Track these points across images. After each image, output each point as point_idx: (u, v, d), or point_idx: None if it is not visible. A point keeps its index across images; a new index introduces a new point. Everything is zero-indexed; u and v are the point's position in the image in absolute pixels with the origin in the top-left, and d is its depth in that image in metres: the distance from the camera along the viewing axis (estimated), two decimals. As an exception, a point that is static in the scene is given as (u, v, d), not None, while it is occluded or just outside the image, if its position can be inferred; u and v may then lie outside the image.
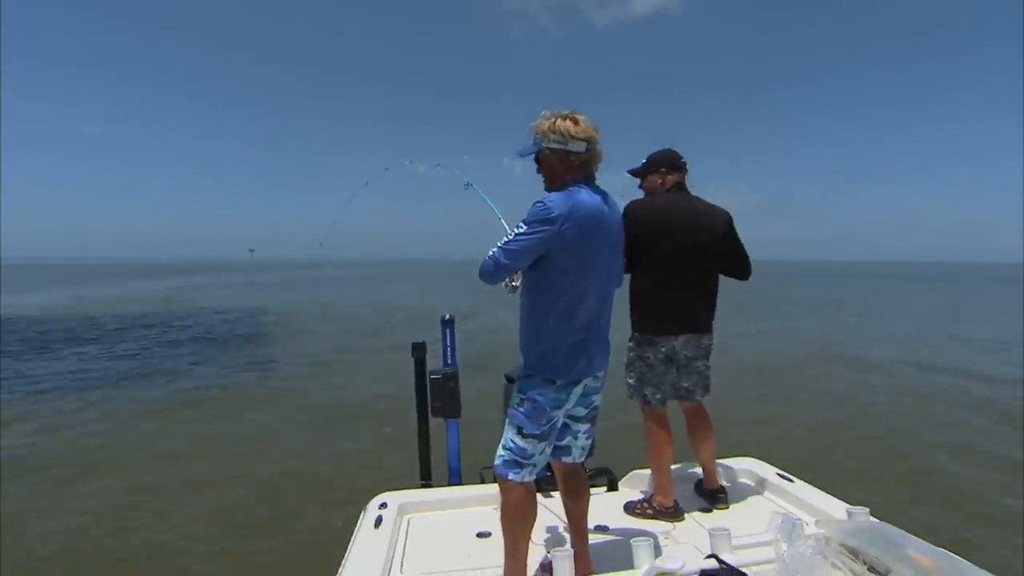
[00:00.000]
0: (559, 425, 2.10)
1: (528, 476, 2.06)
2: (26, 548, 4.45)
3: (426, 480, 3.55)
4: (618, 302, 2.26)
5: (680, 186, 2.86)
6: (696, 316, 2.83)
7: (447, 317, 3.45)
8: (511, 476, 2.05)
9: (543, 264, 2.00)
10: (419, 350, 3.50)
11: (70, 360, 12.56)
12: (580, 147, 2.02)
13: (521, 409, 2.04)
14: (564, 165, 2.05)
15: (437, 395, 3.42)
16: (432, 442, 3.62)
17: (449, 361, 3.45)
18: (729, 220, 2.86)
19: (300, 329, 18.37)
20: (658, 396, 2.85)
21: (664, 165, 2.86)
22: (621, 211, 2.17)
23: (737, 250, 2.92)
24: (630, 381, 2.90)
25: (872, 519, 1.74)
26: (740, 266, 2.94)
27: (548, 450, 2.10)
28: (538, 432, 2.03)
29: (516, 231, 1.98)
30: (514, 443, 2.05)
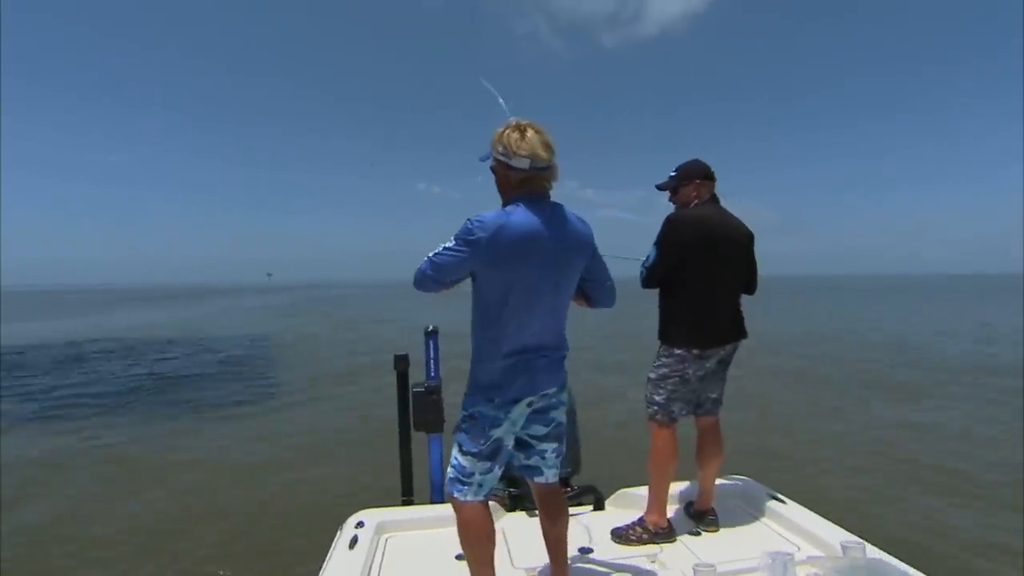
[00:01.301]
0: (506, 445, 2.01)
1: (472, 495, 1.98)
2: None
3: (408, 497, 3.44)
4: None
5: (713, 197, 2.82)
6: (739, 324, 2.80)
7: (430, 328, 3.35)
8: (455, 494, 2.00)
9: (478, 281, 1.94)
10: (402, 362, 3.39)
11: (79, 386, 12.38)
12: (523, 164, 1.90)
13: (463, 426, 1.99)
14: (508, 180, 1.96)
15: (419, 409, 3.31)
16: (416, 457, 3.51)
17: (432, 374, 3.35)
18: (752, 235, 2.86)
19: (309, 345, 18.56)
20: (684, 412, 2.75)
21: (698, 176, 2.79)
22: (575, 224, 2.01)
23: (754, 265, 2.90)
24: (657, 399, 2.72)
25: (869, 552, 1.65)
26: (754, 281, 2.92)
27: (496, 470, 2.01)
28: (476, 450, 1.95)
29: (446, 244, 1.90)
30: (456, 460, 2.00)
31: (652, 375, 2.76)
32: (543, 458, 2.10)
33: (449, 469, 2.02)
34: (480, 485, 1.97)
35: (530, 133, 1.92)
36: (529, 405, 1.97)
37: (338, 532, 2.76)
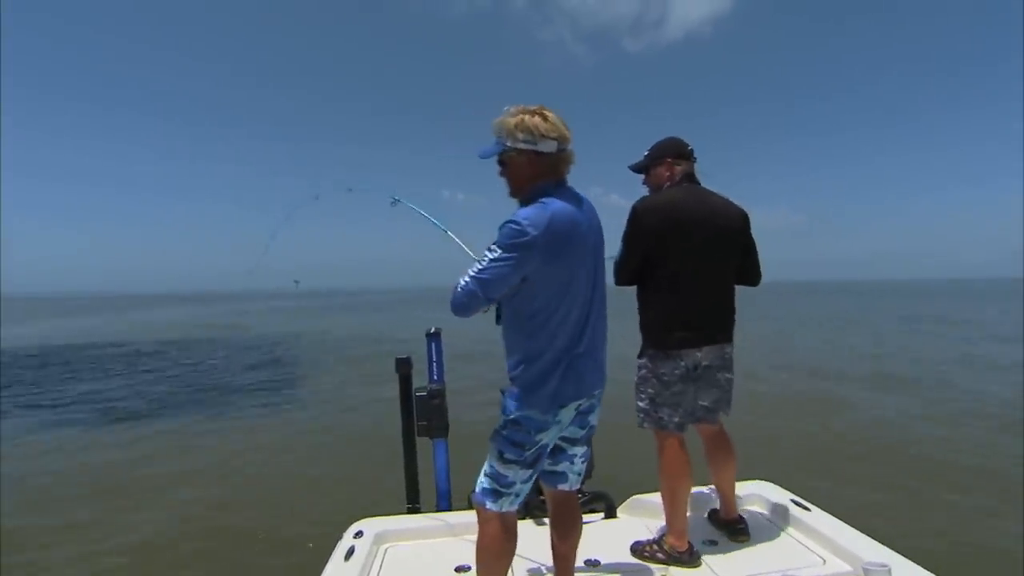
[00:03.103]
0: (548, 450, 1.91)
1: (508, 506, 1.87)
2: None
3: (413, 504, 3.32)
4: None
5: (690, 177, 2.54)
6: (720, 323, 2.50)
7: (432, 330, 3.23)
8: (488, 505, 1.87)
9: (523, 286, 1.79)
10: (404, 366, 3.27)
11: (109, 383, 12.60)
12: (551, 147, 1.81)
13: (504, 432, 1.86)
14: (533, 168, 1.84)
15: (423, 414, 3.19)
16: (423, 463, 3.40)
17: (435, 377, 3.23)
18: (746, 217, 2.55)
19: (327, 350, 18.52)
20: (676, 419, 2.46)
21: (670, 154, 2.53)
22: (592, 206, 1.95)
23: (752, 251, 2.60)
24: (641, 404, 2.50)
25: (897, 573, 1.49)
26: (754, 270, 2.63)
27: (533, 478, 1.91)
28: (520, 459, 1.83)
29: (490, 256, 1.74)
30: (494, 469, 1.87)
31: (635, 379, 2.55)
32: (571, 463, 2.01)
33: (483, 479, 1.90)
34: (517, 495, 1.88)
35: (550, 115, 1.84)
36: (577, 408, 1.88)
37: (337, 542, 2.66)
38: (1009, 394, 9.47)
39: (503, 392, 3.19)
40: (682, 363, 2.44)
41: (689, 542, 2.45)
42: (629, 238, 2.47)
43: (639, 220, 2.44)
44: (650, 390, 2.48)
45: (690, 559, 2.41)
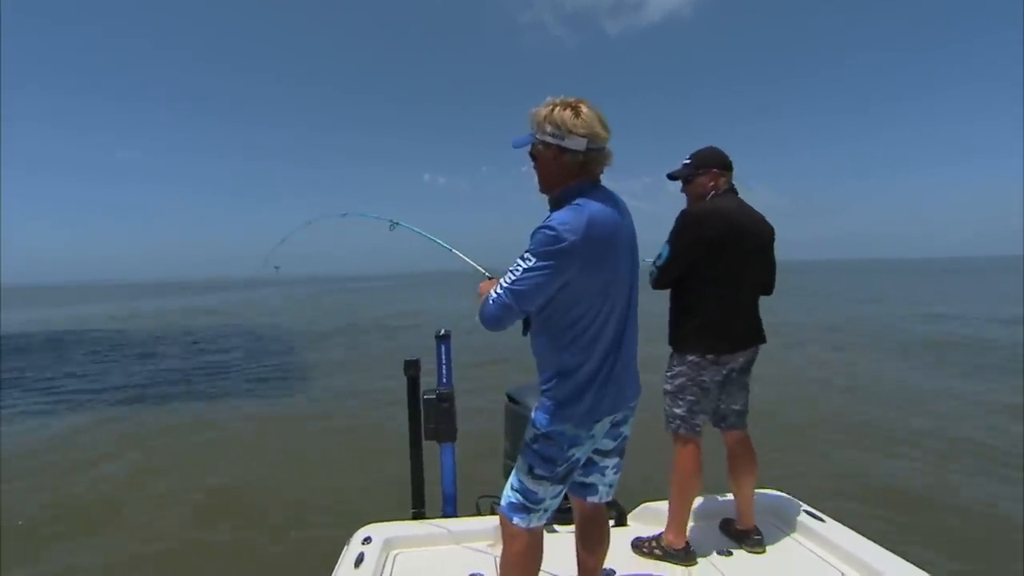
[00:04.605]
0: (580, 464, 1.84)
1: (536, 522, 1.81)
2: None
3: (418, 509, 3.27)
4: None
5: (732, 188, 2.58)
6: (757, 327, 2.59)
7: (442, 332, 3.18)
8: (516, 520, 1.80)
9: (558, 295, 1.69)
10: (412, 367, 3.22)
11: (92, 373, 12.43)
12: (579, 144, 1.67)
13: (535, 446, 1.77)
14: (559, 165, 1.72)
15: (430, 417, 3.14)
16: (428, 467, 3.35)
17: (444, 380, 3.18)
18: (774, 231, 2.62)
19: (321, 338, 18.35)
20: (705, 420, 2.57)
21: (716, 165, 2.55)
22: (629, 212, 1.88)
23: (775, 262, 2.68)
24: (678, 411, 2.52)
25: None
26: (773, 279, 2.70)
27: (563, 492, 1.85)
28: (551, 474, 1.76)
29: (523, 265, 1.62)
30: (523, 483, 1.79)
31: (668, 387, 2.56)
32: (603, 474, 1.94)
33: (510, 493, 1.83)
34: (545, 510, 1.81)
35: (584, 109, 1.69)
36: (612, 421, 1.82)
37: (344, 548, 2.61)
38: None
39: (508, 397, 3.15)
40: (724, 370, 2.51)
41: (687, 541, 2.53)
42: (682, 243, 2.47)
43: (697, 226, 2.45)
44: (690, 397, 2.51)
45: (685, 557, 2.49)
